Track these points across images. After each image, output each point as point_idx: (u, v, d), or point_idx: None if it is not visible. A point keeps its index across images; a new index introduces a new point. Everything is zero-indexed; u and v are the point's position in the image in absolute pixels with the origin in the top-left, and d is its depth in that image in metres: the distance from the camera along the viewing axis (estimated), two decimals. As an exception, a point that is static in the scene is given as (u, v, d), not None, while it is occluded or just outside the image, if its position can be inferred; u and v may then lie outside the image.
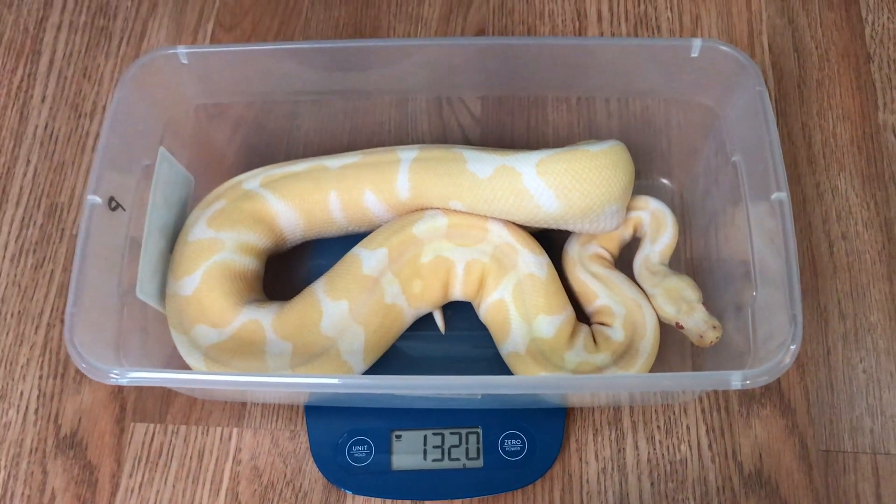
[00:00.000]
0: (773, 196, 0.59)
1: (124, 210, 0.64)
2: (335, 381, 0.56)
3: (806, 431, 0.70)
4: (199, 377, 0.59)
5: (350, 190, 0.69)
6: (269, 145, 0.79)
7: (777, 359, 0.55)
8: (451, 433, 0.68)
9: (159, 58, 0.66)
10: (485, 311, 0.69)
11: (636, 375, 0.63)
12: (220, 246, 0.67)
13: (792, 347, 0.55)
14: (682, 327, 0.65)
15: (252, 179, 0.70)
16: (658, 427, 0.70)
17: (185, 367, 0.65)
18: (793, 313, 0.56)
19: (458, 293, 0.70)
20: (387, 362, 0.69)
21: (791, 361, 0.55)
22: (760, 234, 0.62)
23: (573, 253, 0.71)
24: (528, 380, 0.60)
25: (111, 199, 0.62)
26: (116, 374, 0.55)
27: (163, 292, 0.67)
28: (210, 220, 0.68)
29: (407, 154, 0.68)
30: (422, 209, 0.69)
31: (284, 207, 0.69)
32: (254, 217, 0.68)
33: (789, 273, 0.57)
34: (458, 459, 0.67)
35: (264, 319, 0.65)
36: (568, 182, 0.63)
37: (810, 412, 0.70)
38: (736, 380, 0.54)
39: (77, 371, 0.73)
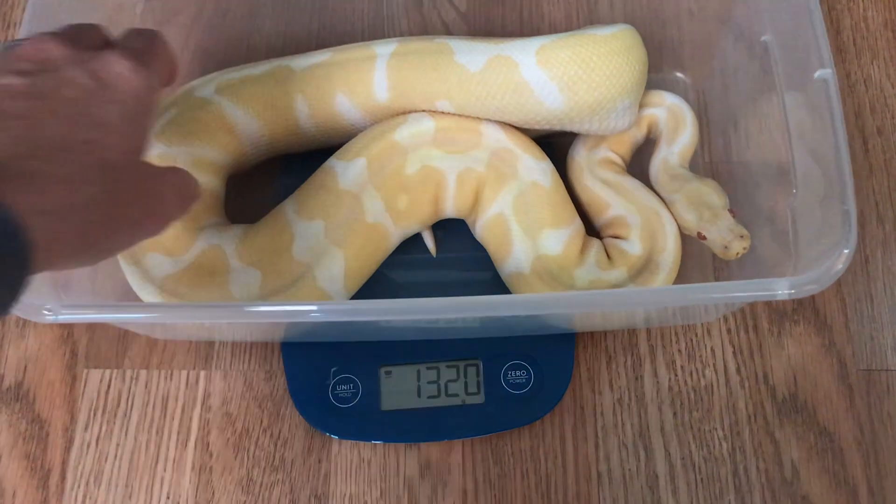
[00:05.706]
0: (817, 74, 0.52)
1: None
2: (312, 308, 0.49)
3: (844, 349, 0.64)
4: (149, 311, 0.52)
5: (319, 93, 0.61)
6: (226, 52, 0.71)
7: (828, 264, 0.47)
8: (448, 366, 0.63)
9: (86, -60, 0.58)
10: (482, 229, 0.62)
11: (662, 289, 0.57)
12: (172, 162, 0.59)
13: (846, 251, 0.47)
14: (704, 238, 0.58)
15: (206, 85, 0.62)
16: (679, 351, 0.64)
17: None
18: (845, 209, 0.48)
19: (450, 209, 0.63)
20: (371, 290, 0.63)
21: (844, 267, 0.47)
22: (798, 123, 0.54)
23: (580, 158, 0.64)
24: (540, 298, 0.53)
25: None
26: (49, 311, 0.48)
27: (108, 218, 0.58)
28: (159, 134, 0.60)
29: (384, 48, 0.61)
30: (404, 112, 0.61)
31: (244, 116, 0.61)
32: (209, 128, 0.61)
33: (839, 161, 0.49)
34: (456, 395, 0.62)
35: (227, 245, 0.58)
36: (573, 72, 0.56)
37: (849, 328, 0.65)
38: (781, 288, 0.47)
39: (19, 314, 0.65)
